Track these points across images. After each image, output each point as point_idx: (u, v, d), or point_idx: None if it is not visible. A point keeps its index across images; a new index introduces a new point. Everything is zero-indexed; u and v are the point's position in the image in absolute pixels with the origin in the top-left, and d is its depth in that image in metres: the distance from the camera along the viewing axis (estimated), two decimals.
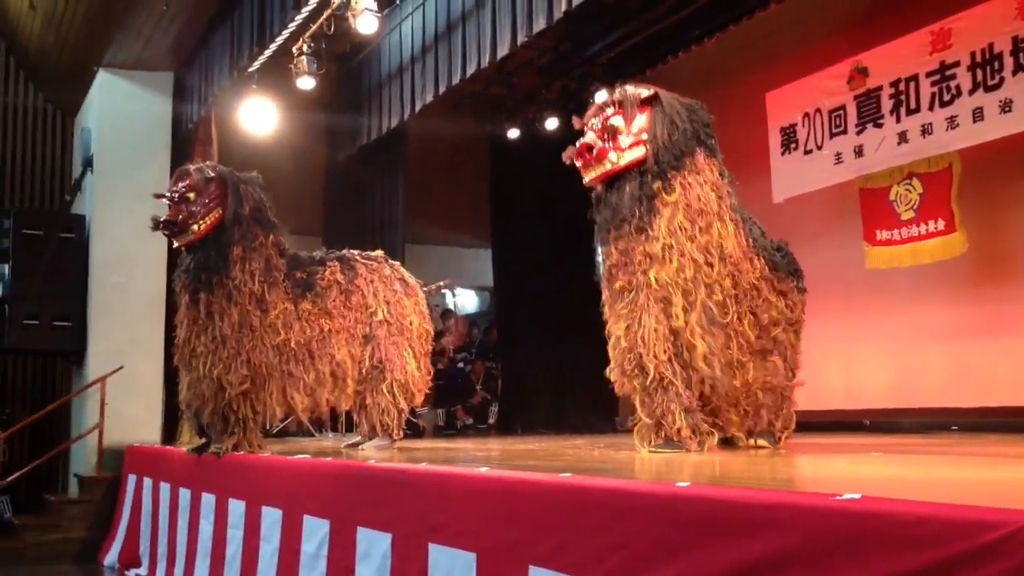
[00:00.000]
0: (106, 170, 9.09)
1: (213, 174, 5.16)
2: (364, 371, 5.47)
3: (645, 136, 4.23)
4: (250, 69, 8.00)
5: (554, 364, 10.43)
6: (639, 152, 4.21)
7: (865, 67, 7.51)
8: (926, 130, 7.10)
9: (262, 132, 8.85)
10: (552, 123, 9.74)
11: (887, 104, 7.37)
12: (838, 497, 1.69)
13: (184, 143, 9.20)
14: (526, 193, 10.63)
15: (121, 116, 9.12)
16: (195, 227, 5.01)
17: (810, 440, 5.56)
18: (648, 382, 3.95)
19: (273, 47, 7.60)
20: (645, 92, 4.36)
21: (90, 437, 8.27)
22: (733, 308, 4.18)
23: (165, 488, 6.18)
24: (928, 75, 7.09)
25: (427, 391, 5.94)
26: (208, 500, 5.08)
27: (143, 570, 6.52)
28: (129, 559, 6.88)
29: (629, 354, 4.01)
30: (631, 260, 4.09)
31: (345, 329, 5.39)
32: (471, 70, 7.24)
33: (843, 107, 7.70)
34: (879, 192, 7.57)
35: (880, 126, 7.43)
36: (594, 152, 4.18)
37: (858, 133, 7.58)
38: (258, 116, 8.66)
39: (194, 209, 5.03)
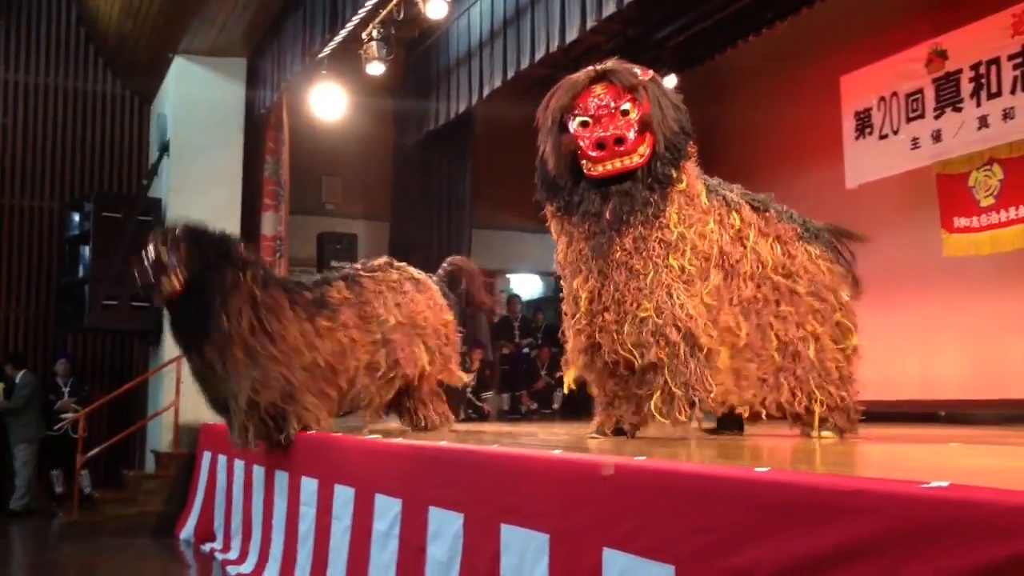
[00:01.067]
0: (181, 154, 9.30)
1: (178, 233, 5.07)
2: (382, 374, 5.49)
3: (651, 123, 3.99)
4: (321, 55, 8.11)
5: None
6: (648, 140, 3.97)
7: (944, 50, 7.31)
8: (1008, 114, 6.89)
9: (332, 117, 8.97)
10: None
11: (967, 88, 7.17)
12: (925, 485, 1.66)
13: (256, 128, 9.37)
14: None
15: (196, 102, 9.32)
16: (168, 287, 4.94)
17: (885, 431, 5.46)
18: (683, 349, 3.92)
19: (344, 33, 7.68)
20: (642, 74, 4.07)
21: (166, 415, 8.51)
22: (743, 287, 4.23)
23: (239, 465, 6.33)
24: (1010, 58, 6.87)
25: (478, 374, 5.91)
26: (281, 478, 5.19)
27: (218, 544, 6.69)
28: (204, 534, 7.07)
29: (662, 324, 3.92)
30: (645, 247, 3.96)
31: (363, 341, 5.40)
32: (539, 55, 7.24)
33: (920, 91, 7.51)
34: (957, 178, 7.38)
35: (959, 110, 7.23)
36: (623, 145, 3.89)
37: (936, 117, 7.39)
38: (328, 101, 8.78)
39: (167, 268, 4.95)
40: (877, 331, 7.95)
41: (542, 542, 2.71)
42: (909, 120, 7.60)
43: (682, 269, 3.98)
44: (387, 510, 3.68)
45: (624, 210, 3.95)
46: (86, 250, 9.38)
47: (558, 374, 10.52)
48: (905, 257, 7.58)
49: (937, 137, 7.40)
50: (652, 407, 3.96)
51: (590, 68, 4.13)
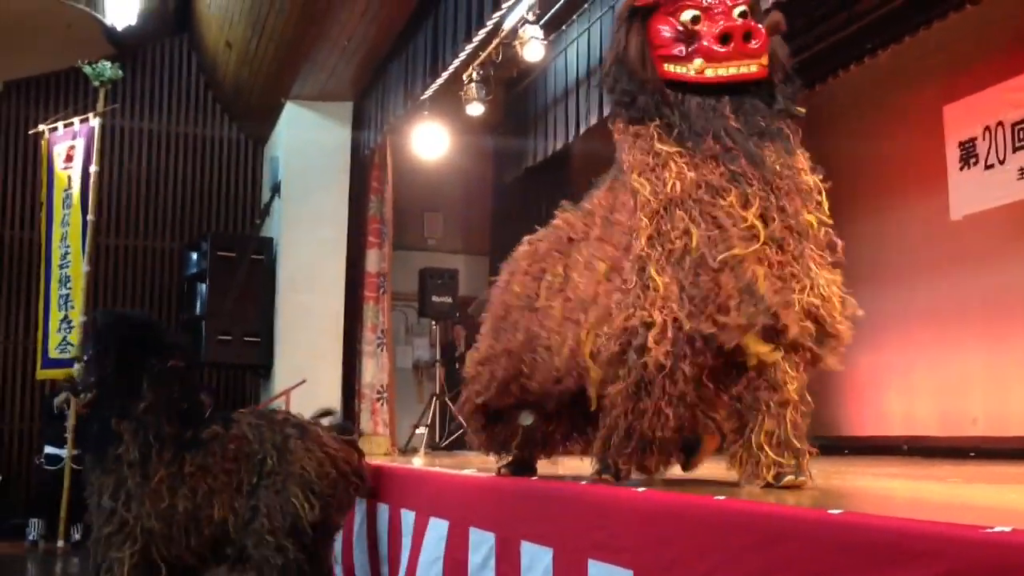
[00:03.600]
0: (292, 195, 9.74)
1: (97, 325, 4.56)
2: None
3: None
4: (423, 96, 8.42)
5: None
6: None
7: None
8: None
9: (434, 155, 9.27)
10: None
11: None
12: (989, 529, 1.70)
13: (362, 167, 9.75)
14: None
15: (305, 144, 9.77)
16: (83, 395, 4.48)
17: (994, 468, 5.32)
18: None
19: (445, 76, 7.97)
20: None
21: None
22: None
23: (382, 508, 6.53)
24: None
25: None
26: (382, 510, 5.38)
27: None
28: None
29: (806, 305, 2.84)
30: (777, 190, 2.85)
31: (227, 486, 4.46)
32: None
33: None
34: None
35: None
36: (753, 42, 2.87)
37: None
38: (430, 140, 9.10)
39: (87, 370, 4.46)
40: (984, 363, 7.76)
41: None
42: (1015, 150, 7.40)
43: (820, 230, 2.94)
44: (481, 543, 3.81)
45: (761, 126, 2.91)
46: (203, 288, 9.89)
47: None
48: (1012, 288, 7.36)
49: None
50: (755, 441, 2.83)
51: None
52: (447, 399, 9.48)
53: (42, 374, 9.00)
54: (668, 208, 2.84)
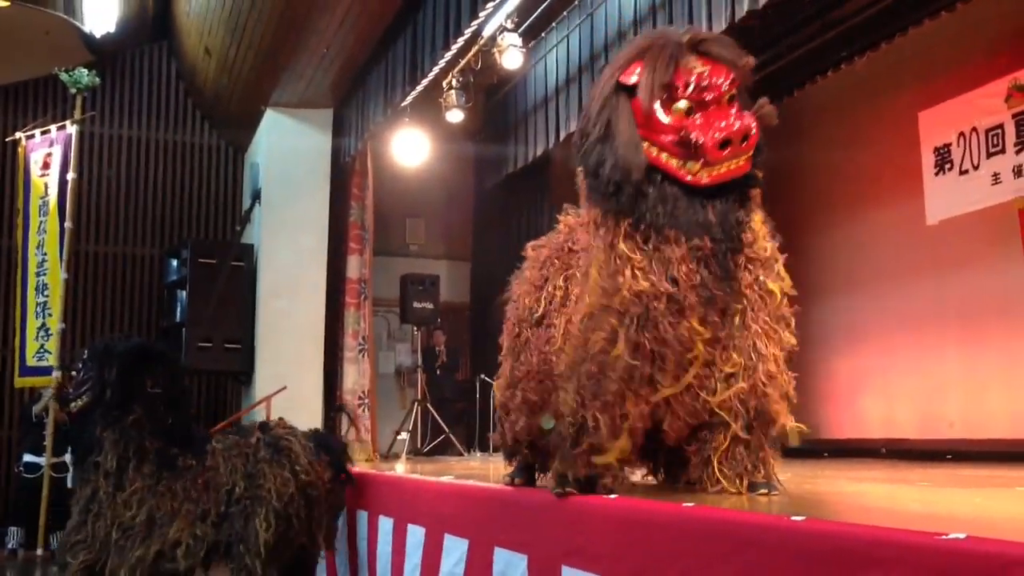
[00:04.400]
0: (272, 202, 9.73)
1: (90, 350, 4.71)
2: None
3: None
4: (403, 104, 8.43)
5: None
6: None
7: (1023, 84, 7.21)
8: None
9: (414, 162, 9.29)
10: None
11: None
12: (943, 536, 1.73)
13: (342, 174, 9.76)
14: None
15: (286, 151, 9.76)
16: (74, 403, 4.68)
17: (968, 471, 5.38)
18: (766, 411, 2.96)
19: (424, 83, 7.99)
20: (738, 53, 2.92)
21: None
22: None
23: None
24: None
25: None
26: (362, 517, 5.39)
27: None
28: None
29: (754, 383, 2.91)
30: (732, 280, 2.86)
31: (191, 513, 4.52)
32: None
33: (1001, 126, 7.40)
34: None
35: None
36: (748, 140, 2.75)
37: (1017, 152, 7.27)
38: (410, 147, 9.12)
39: (77, 383, 4.70)
40: (961, 367, 7.84)
41: None
42: (989, 155, 7.49)
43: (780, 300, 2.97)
44: (454, 549, 3.83)
45: (740, 222, 2.86)
46: (183, 295, 9.86)
47: None
48: (987, 294, 7.44)
49: (1018, 172, 7.26)
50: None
51: (675, 30, 2.96)
52: (428, 405, 9.49)
53: (20, 382, 8.93)
54: (602, 314, 2.85)
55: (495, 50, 7.84)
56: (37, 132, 8.80)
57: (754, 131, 2.76)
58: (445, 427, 9.36)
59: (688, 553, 2.50)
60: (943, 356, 8.02)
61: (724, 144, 2.73)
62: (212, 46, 9.39)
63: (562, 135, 8.33)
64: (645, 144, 2.80)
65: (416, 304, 9.79)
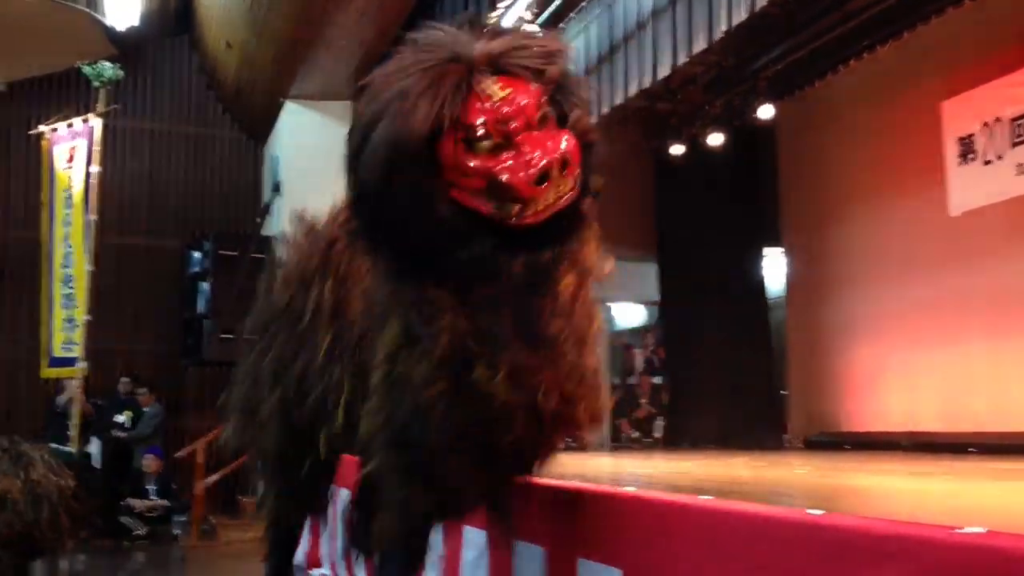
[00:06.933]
0: (292, 193, 9.77)
1: None
2: None
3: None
4: None
5: (722, 379, 10.36)
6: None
7: None
8: None
9: None
10: (716, 139, 9.71)
11: None
12: (961, 531, 1.73)
13: None
14: (692, 207, 10.62)
15: (305, 143, 9.80)
16: None
17: (991, 465, 5.34)
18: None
19: None
20: (547, 42, 2.41)
21: None
22: None
23: (344, 493, 6.58)
24: None
25: None
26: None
27: (326, 570, 6.95)
28: (313, 559, 7.34)
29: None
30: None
31: None
32: (632, 91, 7.37)
33: None
34: None
35: None
36: (567, 167, 2.26)
37: None
38: None
39: None
40: (985, 359, 7.77)
41: None
42: (1014, 145, 7.41)
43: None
44: (475, 541, 3.84)
45: (552, 263, 2.42)
46: (205, 286, 9.93)
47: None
48: (1012, 283, 7.37)
49: None
50: None
51: (464, 39, 2.28)
52: None
53: (47, 372, 9.05)
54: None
55: None
56: (61, 125, 8.88)
57: (572, 157, 2.27)
58: None
59: (700, 547, 2.51)
60: (967, 348, 7.94)
61: (541, 179, 2.25)
62: (233, 39, 9.44)
63: None
64: (454, 189, 2.25)
65: None
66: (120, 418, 9.72)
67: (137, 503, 9.11)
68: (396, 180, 2.24)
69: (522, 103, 2.25)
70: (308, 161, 9.75)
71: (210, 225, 11.05)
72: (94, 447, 9.32)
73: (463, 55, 2.22)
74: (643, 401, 10.59)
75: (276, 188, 10.01)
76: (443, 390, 2.41)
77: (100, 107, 8.49)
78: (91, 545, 8.48)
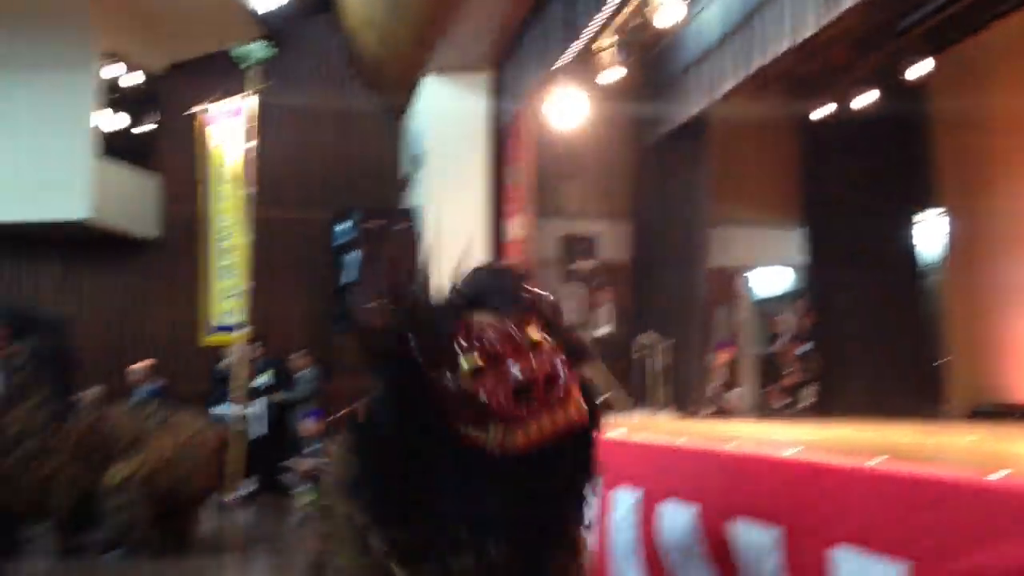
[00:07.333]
0: (433, 165, 9.98)
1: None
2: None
3: None
4: (559, 64, 8.45)
5: (872, 346, 10.05)
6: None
7: None
8: None
9: (571, 123, 9.31)
10: (864, 99, 9.37)
11: None
12: None
13: (501, 137, 9.89)
14: (839, 171, 10.30)
15: (445, 116, 9.97)
16: None
17: None
18: None
19: (580, 43, 7.97)
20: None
21: None
22: None
23: None
24: None
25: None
26: None
27: None
28: None
29: None
30: None
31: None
32: (773, 54, 7.20)
33: None
34: None
35: None
36: (557, 387, 2.10)
37: None
38: (567, 108, 9.13)
39: None
40: None
41: (774, 534, 2.83)
42: None
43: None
44: (625, 500, 3.90)
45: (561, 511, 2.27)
46: (352, 257, 10.29)
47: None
48: None
49: None
50: None
51: (447, 291, 2.39)
52: None
53: (207, 340, 9.57)
54: None
55: (650, 6, 7.73)
56: (216, 105, 9.32)
57: (559, 372, 2.11)
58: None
59: (869, 509, 2.49)
60: None
61: (520, 392, 2.07)
62: (373, 16, 9.66)
63: (722, 91, 8.18)
64: (450, 420, 2.14)
65: (576, 264, 9.88)
66: (263, 379, 10.14)
67: (298, 463, 9.55)
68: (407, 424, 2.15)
69: (508, 326, 2.18)
70: (448, 132, 9.94)
71: (354, 197, 11.40)
72: (256, 408, 9.74)
73: (451, 302, 2.33)
74: (791, 369, 10.38)
75: (417, 160, 10.24)
76: None
77: (253, 86, 8.86)
78: (256, 500, 9.01)
